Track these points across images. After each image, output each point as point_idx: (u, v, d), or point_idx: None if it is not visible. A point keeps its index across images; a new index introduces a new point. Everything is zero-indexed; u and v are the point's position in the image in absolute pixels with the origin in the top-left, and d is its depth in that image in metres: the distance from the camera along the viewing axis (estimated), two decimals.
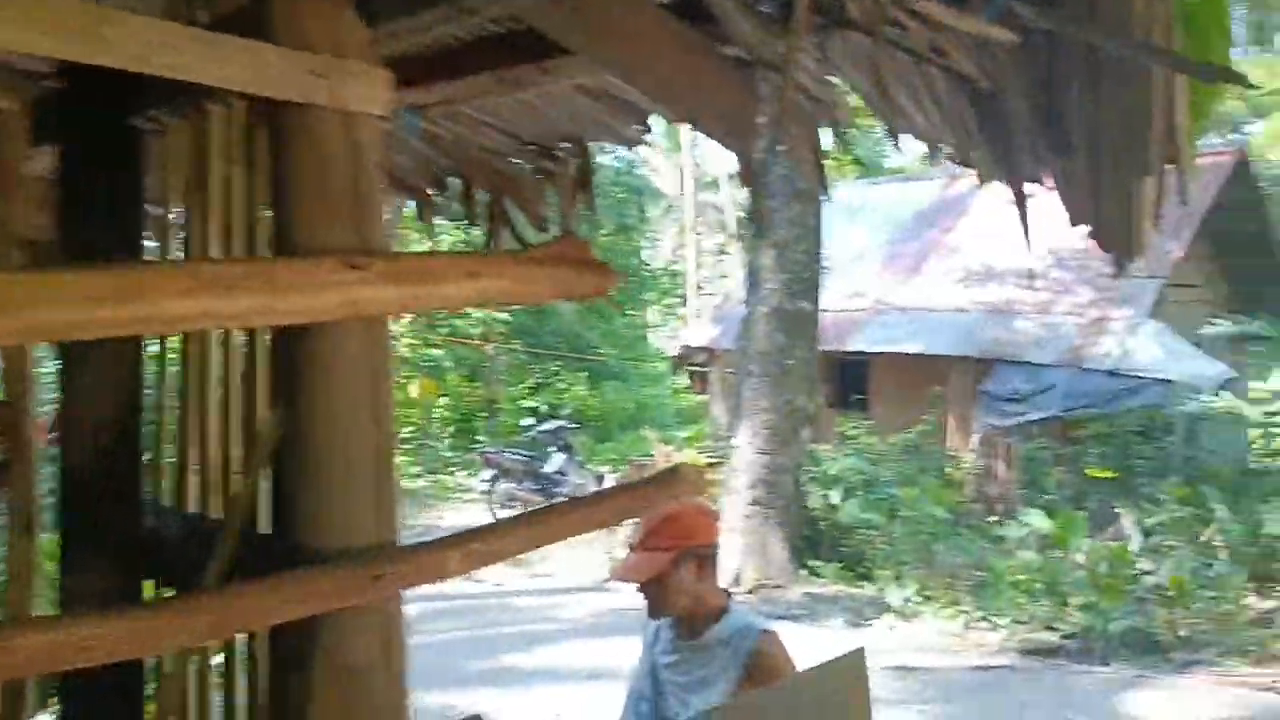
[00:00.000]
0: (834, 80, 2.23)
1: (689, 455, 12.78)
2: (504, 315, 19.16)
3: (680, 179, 27.58)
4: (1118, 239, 1.82)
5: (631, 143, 2.79)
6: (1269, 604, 8.35)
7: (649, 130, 2.69)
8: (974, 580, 8.98)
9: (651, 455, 13.76)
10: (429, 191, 3.14)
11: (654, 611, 2.67)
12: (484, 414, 18.70)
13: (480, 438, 17.62)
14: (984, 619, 8.34)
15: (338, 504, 1.46)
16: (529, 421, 15.35)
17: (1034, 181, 1.99)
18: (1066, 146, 1.71)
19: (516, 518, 1.55)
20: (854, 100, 2.41)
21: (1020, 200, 1.99)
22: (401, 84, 2.32)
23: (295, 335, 1.47)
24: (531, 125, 2.73)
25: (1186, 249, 13.46)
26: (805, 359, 10.13)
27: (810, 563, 9.84)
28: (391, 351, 1.53)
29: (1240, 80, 1.41)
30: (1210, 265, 14.94)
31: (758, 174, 8.81)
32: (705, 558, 2.64)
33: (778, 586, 9.54)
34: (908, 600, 8.68)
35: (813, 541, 10.10)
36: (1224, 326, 8.00)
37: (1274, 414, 7.61)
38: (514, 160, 2.89)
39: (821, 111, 2.27)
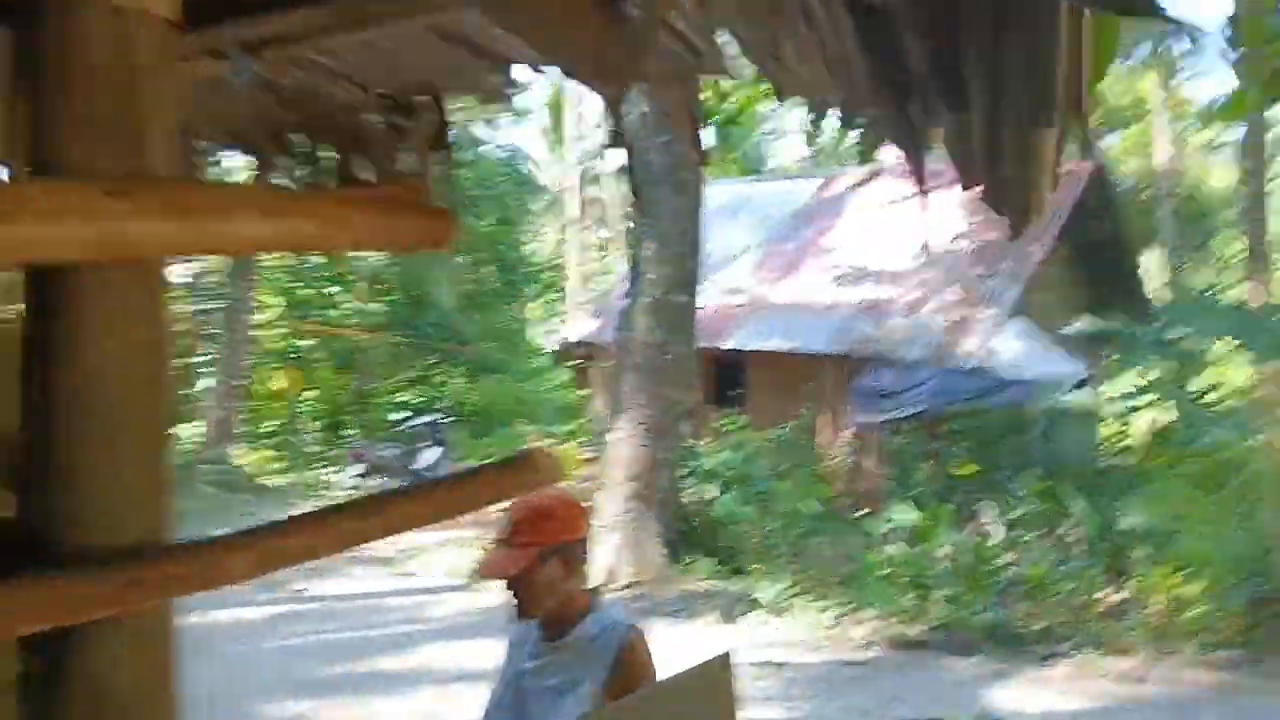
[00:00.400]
0: (715, 31, 2.03)
1: (568, 450, 12.53)
2: (379, 305, 18.53)
3: (563, 172, 27.30)
4: (1014, 200, 1.67)
5: (493, 96, 2.54)
6: (1121, 596, 8.64)
7: (513, 85, 2.45)
8: (844, 574, 9.02)
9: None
10: (270, 149, 2.81)
11: (522, 611, 2.49)
12: (356, 408, 18.03)
13: (351, 432, 16.97)
14: (853, 613, 8.37)
15: (97, 491, 1.17)
16: (402, 416, 14.83)
17: (925, 141, 1.82)
18: (963, 98, 1.54)
19: (324, 511, 1.28)
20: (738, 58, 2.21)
21: (912, 158, 1.80)
22: (226, 12, 2.02)
23: (45, 280, 1.17)
24: (382, 74, 2.45)
25: (1048, 252, 13.96)
26: (684, 353, 10.01)
27: (686, 558, 9.73)
28: (168, 303, 1.24)
29: (1159, 13, 1.27)
30: (1068, 268, 15.53)
31: (628, 139, 8.63)
32: (573, 554, 2.47)
33: (653, 583, 9.39)
34: (779, 595, 8.64)
35: (688, 537, 10.00)
36: (1087, 323, 8.20)
37: (1134, 408, 7.86)
38: (364, 114, 2.60)
39: (700, 65, 2.07)
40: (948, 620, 7.83)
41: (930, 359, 12.61)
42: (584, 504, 2.60)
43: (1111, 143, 29.09)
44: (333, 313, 17.12)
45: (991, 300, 13.24)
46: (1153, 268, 22.27)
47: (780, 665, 7.10)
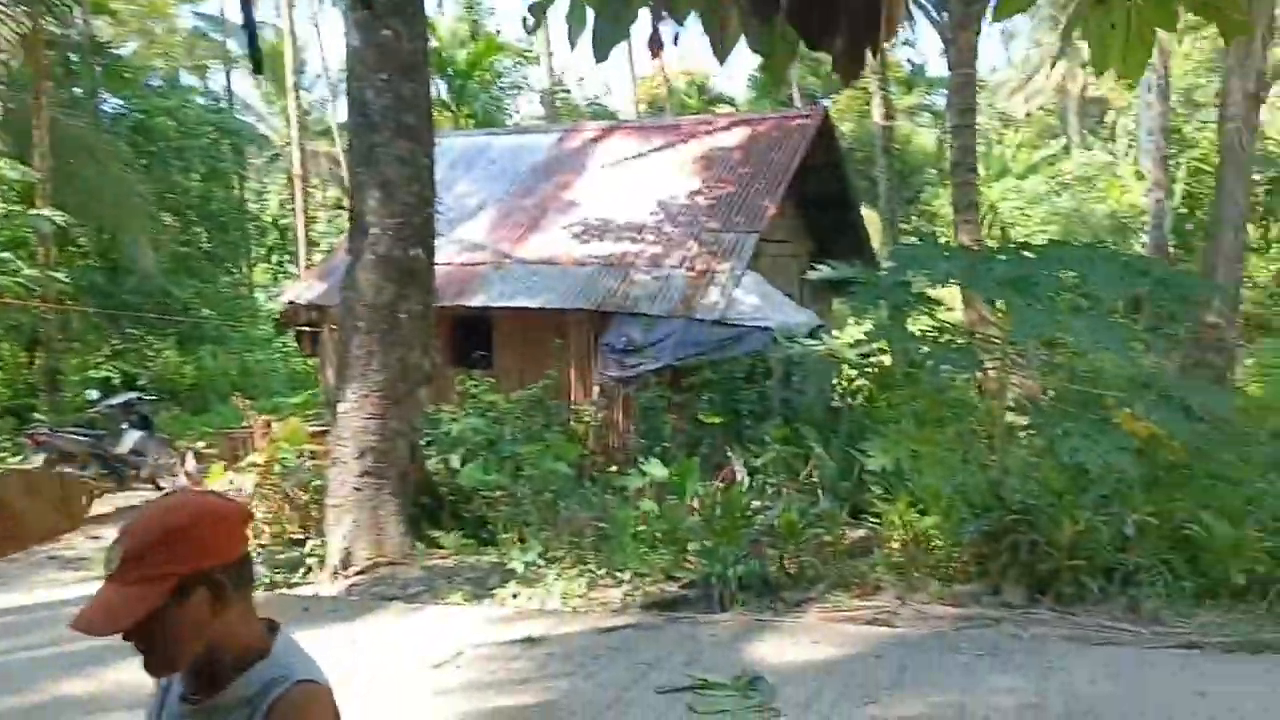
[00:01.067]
0: None
1: (294, 424, 11.32)
2: (68, 272, 16.11)
3: (288, 125, 25.10)
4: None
5: None
6: (862, 532, 8.77)
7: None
8: (598, 536, 8.62)
9: (248, 427, 12.10)
10: None
11: (155, 667, 1.76)
12: (44, 389, 15.65)
13: (40, 416, 14.71)
14: (609, 575, 7.98)
15: None
16: (97, 395, 12.92)
17: None
18: None
19: None
20: None
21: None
22: None
23: None
24: None
25: (779, 206, 14.16)
26: (419, 312, 9.14)
27: (431, 534, 8.97)
28: None
29: None
30: (797, 220, 15.91)
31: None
32: (224, 582, 1.73)
33: (394, 564, 8.57)
34: (532, 564, 8.10)
35: (433, 511, 9.24)
36: (825, 270, 8.15)
37: (866, 353, 7.93)
38: None
39: None
40: (702, 575, 7.58)
41: (674, 312, 12.46)
42: (242, 509, 1.85)
43: (827, 104, 30.47)
44: (6, 280, 14.63)
45: (729, 253, 13.25)
46: (872, 222, 23.54)
47: (535, 641, 6.55)
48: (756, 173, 14.67)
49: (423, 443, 9.34)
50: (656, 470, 9.07)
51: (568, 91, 36.40)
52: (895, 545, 7.96)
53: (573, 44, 2.68)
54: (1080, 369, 9.88)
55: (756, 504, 8.90)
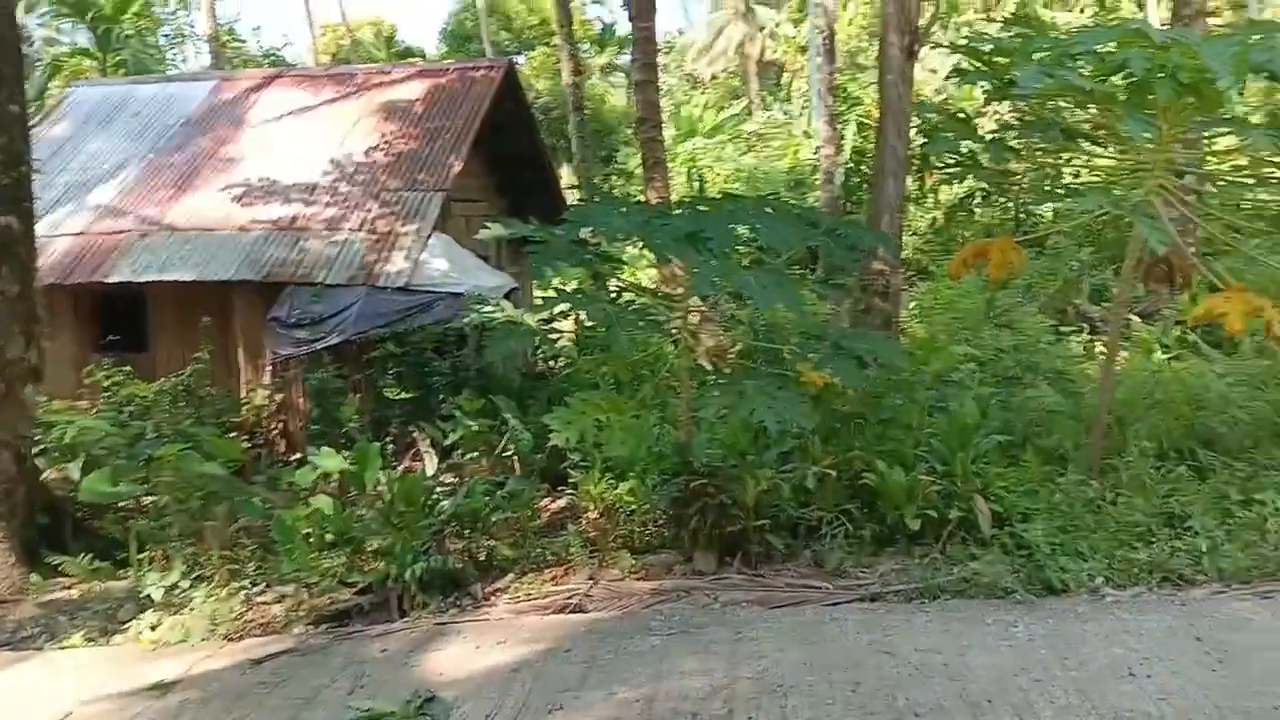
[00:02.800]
0: None
1: None
2: None
3: None
4: None
5: None
6: (563, 503, 8.23)
7: None
8: (259, 543, 7.48)
9: None
10: None
11: None
12: None
13: None
14: (271, 589, 6.90)
15: None
16: None
17: None
18: None
19: None
20: None
21: None
22: None
23: None
24: None
25: (465, 162, 13.26)
26: (16, 293, 7.46)
27: (51, 561, 7.40)
28: None
29: None
30: (488, 179, 15.08)
31: None
32: None
33: (3, 603, 7.00)
34: (174, 587, 6.83)
35: (53, 532, 7.64)
36: (497, 228, 7.42)
37: (549, 322, 7.34)
38: None
39: None
40: (379, 577, 6.70)
41: (354, 280, 11.29)
42: None
43: (520, 62, 29.76)
44: None
45: (413, 214, 12.21)
46: (566, 180, 23.12)
47: (166, 687, 5.42)
48: (441, 128, 13.64)
49: (33, 451, 7.68)
50: (329, 461, 8.01)
51: (241, 41, 33.08)
52: (592, 516, 7.47)
53: None
54: (761, 322, 9.90)
55: (443, 489, 8.13)
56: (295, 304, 11.15)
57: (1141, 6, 25.78)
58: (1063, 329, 11.86)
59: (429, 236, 11.81)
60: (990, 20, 25.54)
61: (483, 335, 10.84)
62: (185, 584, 6.83)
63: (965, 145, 6.85)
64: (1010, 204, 19.15)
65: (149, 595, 6.70)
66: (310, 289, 11.21)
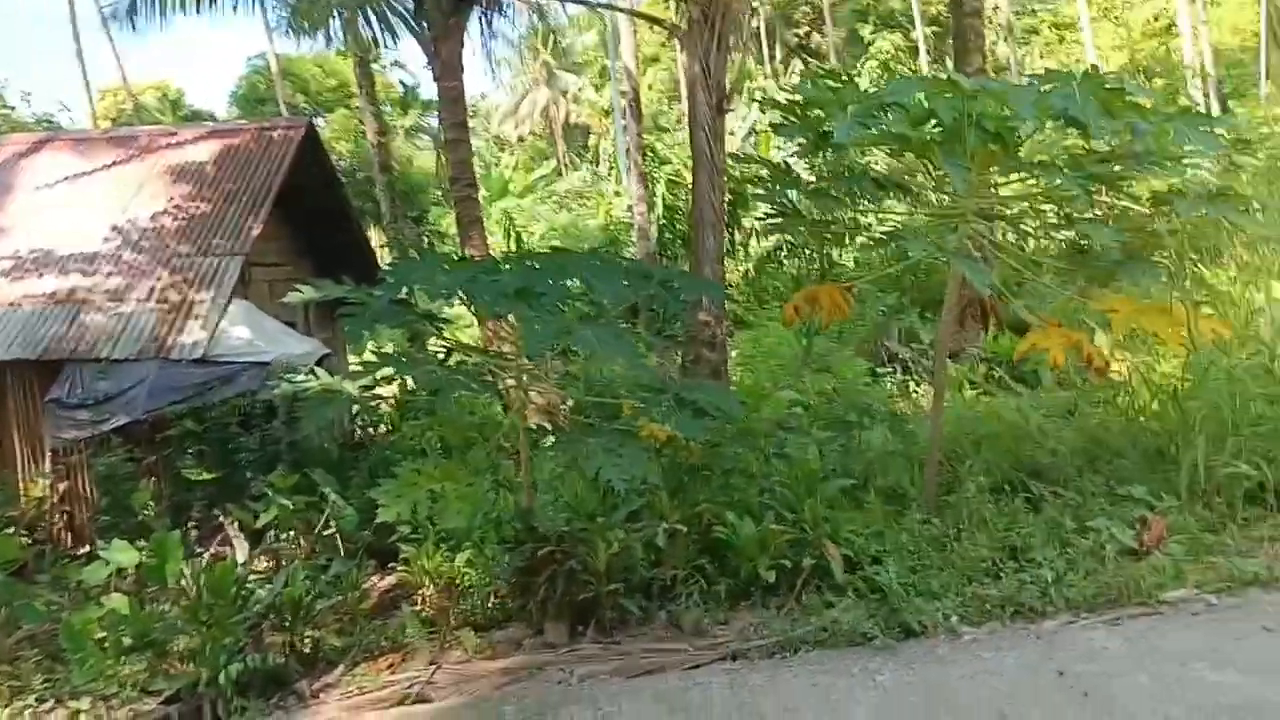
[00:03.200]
0: None
1: None
2: None
3: None
4: None
5: None
6: (393, 580, 7.58)
7: None
8: (44, 653, 6.47)
9: None
10: None
11: None
12: None
13: None
14: (60, 704, 5.93)
15: None
16: None
17: None
18: None
19: None
20: None
21: None
22: None
23: None
24: None
25: (265, 225, 12.45)
26: None
27: None
28: None
29: None
30: (292, 242, 14.23)
31: None
32: None
33: None
34: None
35: None
36: (307, 291, 6.83)
37: (376, 381, 6.79)
38: None
39: None
40: (189, 682, 5.87)
41: (144, 354, 10.24)
42: None
43: (320, 124, 28.77)
44: None
45: (208, 281, 11.27)
46: (376, 241, 22.34)
47: None
48: (237, 189, 12.76)
49: None
50: (121, 554, 7.07)
51: (9, 108, 30.31)
52: (429, 594, 6.89)
53: None
54: (595, 377, 9.66)
55: (257, 577, 7.32)
56: (77, 383, 10.00)
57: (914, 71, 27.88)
58: (878, 370, 12.28)
59: (227, 304, 10.93)
60: (779, 87, 26.92)
61: (294, 406, 10.05)
62: None
63: (784, 197, 6.93)
64: (814, 254, 19.96)
65: None
66: (95, 365, 10.09)
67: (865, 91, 6.38)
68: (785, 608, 6.06)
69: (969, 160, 6.00)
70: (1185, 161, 5.96)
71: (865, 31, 32.65)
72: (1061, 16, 29.35)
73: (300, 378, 7.24)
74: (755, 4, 32.18)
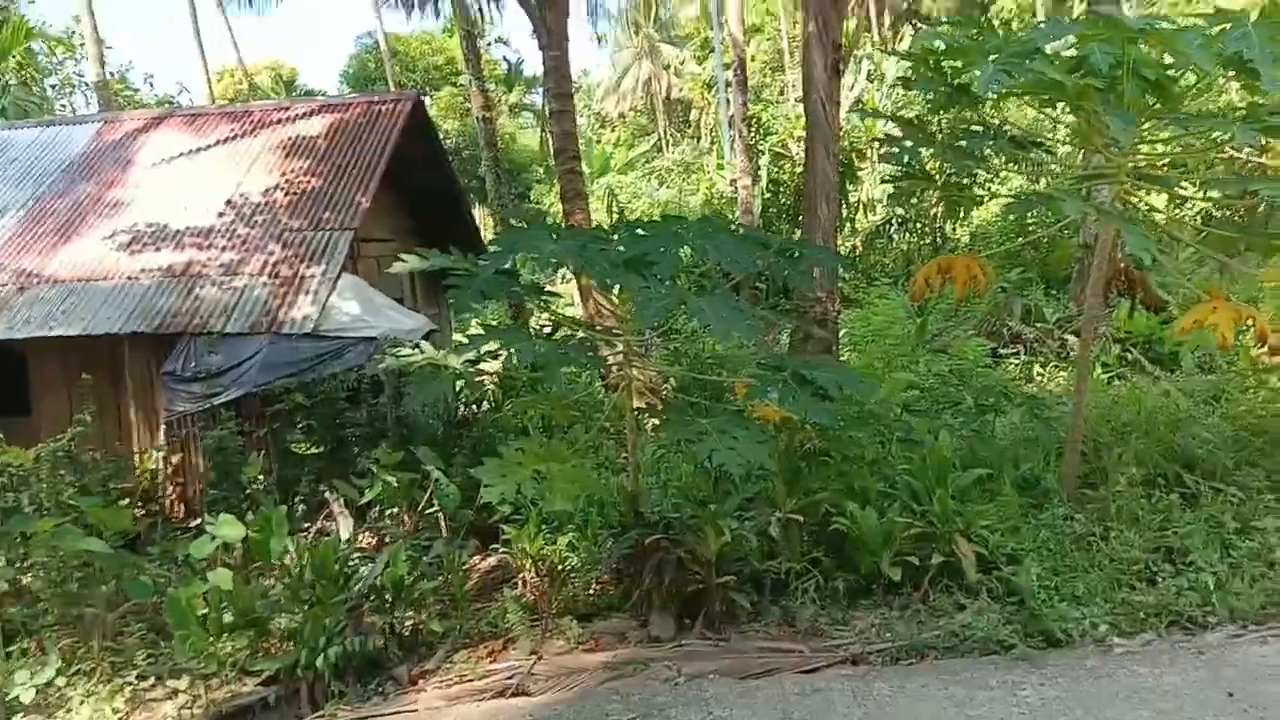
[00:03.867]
0: None
1: None
2: None
3: None
4: None
5: None
6: (493, 573, 7.29)
7: None
8: (148, 627, 6.41)
9: None
10: None
11: None
12: None
13: None
14: (161, 682, 5.84)
15: None
16: None
17: None
18: None
19: None
20: None
21: None
22: None
23: None
24: None
25: (373, 199, 12.35)
26: None
27: None
28: None
29: None
30: (399, 218, 14.15)
31: None
32: None
33: None
34: (49, 684, 5.73)
35: None
36: (413, 261, 6.54)
37: (484, 355, 6.48)
38: None
39: None
40: (288, 664, 5.70)
41: (256, 328, 10.22)
42: None
43: (427, 102, 28.93)
44: None
45: (319, 255, 11.21)
46: (485, 221, 22.28)
47: None
48: (346, 164, 12.67)
49: None
50: (228, 529, 6.96)
51: (134, 90, 31.39)
52: (530, 577, 6.59)
53: None
54: (704, 354, 9.18)
55: (360, 555, 7.13)
56: (191, 356, 10.03)
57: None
58: (999, 351, 11.46)
59: (337, 278, 10.82)
60: (892, 52, 25.70)
61: (400, 381, 9.90)
62: (61, 681, 5.72)
63: (915, 156, 6.27)
64: (926, 228, 18.98)
65: (17, 697, 5.58)
66: (207, 339, 10.12)
67: (1011, 36, 5.70)
68: (911, 608, 5.52)
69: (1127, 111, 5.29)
70: None
71: None
72: None
73: (405, 352, 6.98)
74: None
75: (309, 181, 12.34)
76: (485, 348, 6.35)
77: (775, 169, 21.06)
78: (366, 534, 8.22)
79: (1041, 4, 29.34)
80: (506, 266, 6.26)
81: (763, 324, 11.33)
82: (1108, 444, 6.72)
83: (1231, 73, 5.22)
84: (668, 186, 27.27)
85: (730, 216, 22.13)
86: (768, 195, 21.04)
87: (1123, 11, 12.36)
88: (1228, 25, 5.10)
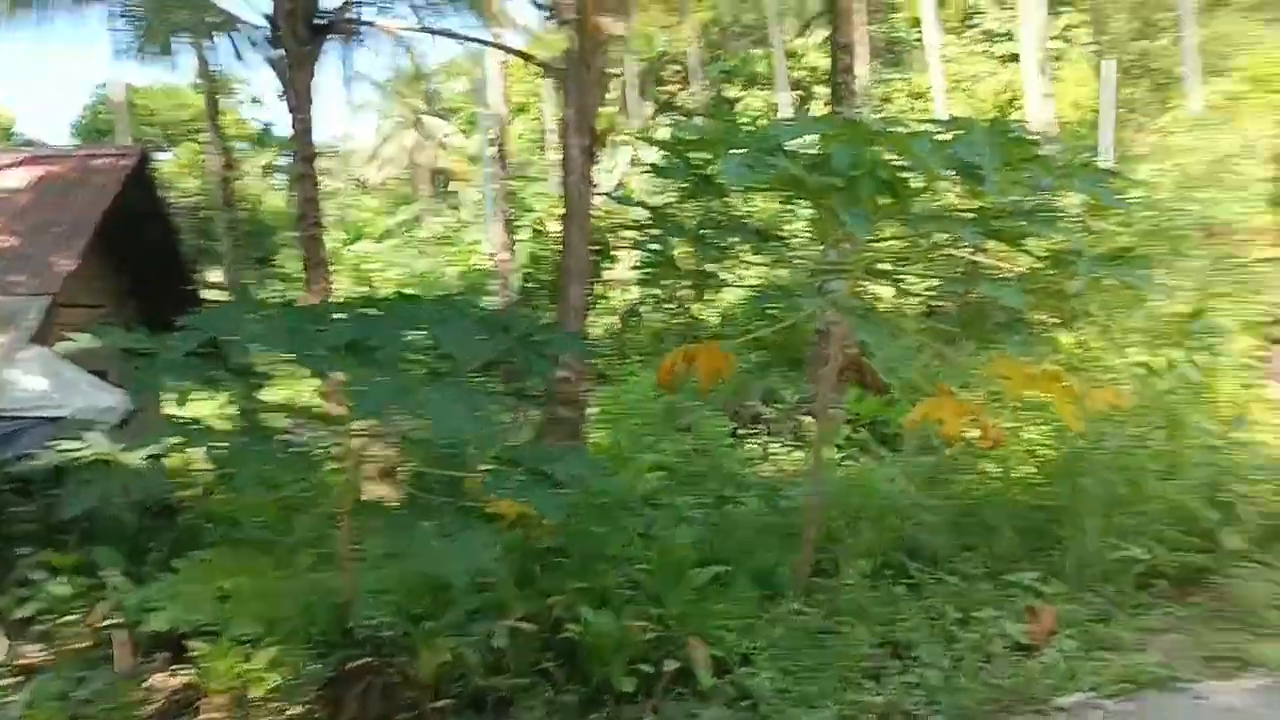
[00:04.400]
0: None
1: None
2: None
3: None
4: None
5: None
6: (179, 682, 6.17)
7: None
8: None
9: None
10: None
11: None
12: None
13: None
14: None
15: None
16: None
17: None
18: None
19: None
20: None
21: None
22: None
23: None
24: None
25: (81, 261, 10.92)
26: None
27: None
28: None
29: None
30: (115, 282, 12.62)
31: None
32: None
33: None
34: None
35: None
36: (85, 339, 5.57)
37: (159, 457, 5.54)
38: None
39: None
40: None
41: None
42: None
43: (163, 159, 26.77)
44: None
45: (5, 323, 9.70)
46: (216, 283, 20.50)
47: None
48: (49, 222, 11.24)
49: None
50: None
51: None
52: (219, 702, 5.60)
53: None
54: (442, 441, 8.51)
55: (13, 682, 5.86)
56: None
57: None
58: (739, 431, 11.59)
59: (19, 349, 9.34)
60: (649, 140, 26.50)
61: (88, 470, 8.51)
62: None
63: (663, 244, 6.13)
64: (678, 308, 19.36)
65: None
66: None
67: (758, 131, 5.67)
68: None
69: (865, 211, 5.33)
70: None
71: (732, 91, 32.83)
72: (915, 86, 30.16)
73: (66, 446, 5.90)
74: (626, 57, 31.99)
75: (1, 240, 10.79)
76: (170, 440, 5.43)
77: (535, 245, 20.93)
78: (37, 651, 6.85)
79: (790, 104, 31.46)
80: (200, 347, 5.41)
81: (508, 408, 10.84)
82: (839, 531, 6.70)
83: (955, 174, 5.40)
84: (426, 257, 26.51)
85: (488, 289, 21.71)
86: (527, 270, 20.84)
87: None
88: (960, 131, 5.29)
